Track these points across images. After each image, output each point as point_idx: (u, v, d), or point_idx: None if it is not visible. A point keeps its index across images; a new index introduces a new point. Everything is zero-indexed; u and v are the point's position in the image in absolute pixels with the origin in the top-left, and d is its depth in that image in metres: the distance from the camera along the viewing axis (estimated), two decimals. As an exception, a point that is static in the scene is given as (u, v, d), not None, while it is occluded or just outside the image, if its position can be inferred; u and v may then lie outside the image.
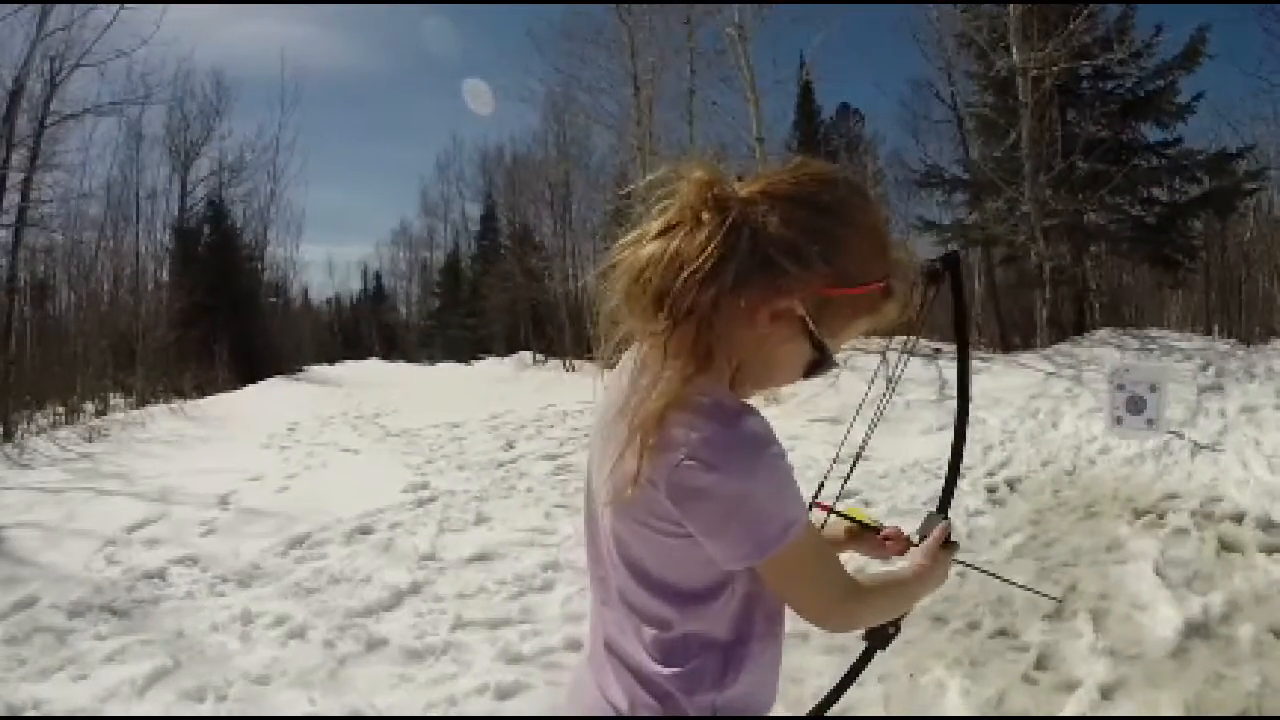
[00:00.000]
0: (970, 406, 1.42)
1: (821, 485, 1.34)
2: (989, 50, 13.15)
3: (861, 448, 1.44)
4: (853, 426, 1.62)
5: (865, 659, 1.35)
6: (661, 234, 0.94)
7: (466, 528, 5.63)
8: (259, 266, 30.99)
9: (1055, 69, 12.34)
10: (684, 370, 0.91)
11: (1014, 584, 1.89)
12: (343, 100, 68.49)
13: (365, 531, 5.51)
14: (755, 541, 0.91)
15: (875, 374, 1.50)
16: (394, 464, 8.11)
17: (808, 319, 0.95)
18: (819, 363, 1.00)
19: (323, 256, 64.08)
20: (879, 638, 1.26)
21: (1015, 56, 12.50)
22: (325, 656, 3.61)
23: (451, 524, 5.70)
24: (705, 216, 0.92)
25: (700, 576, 0.96)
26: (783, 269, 0.92)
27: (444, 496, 6.50)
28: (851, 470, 1.46)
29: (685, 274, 0.90)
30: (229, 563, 4.92)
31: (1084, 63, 12.84)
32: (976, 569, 1.41)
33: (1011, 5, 12.38)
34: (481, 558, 4.94)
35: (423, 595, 4.35)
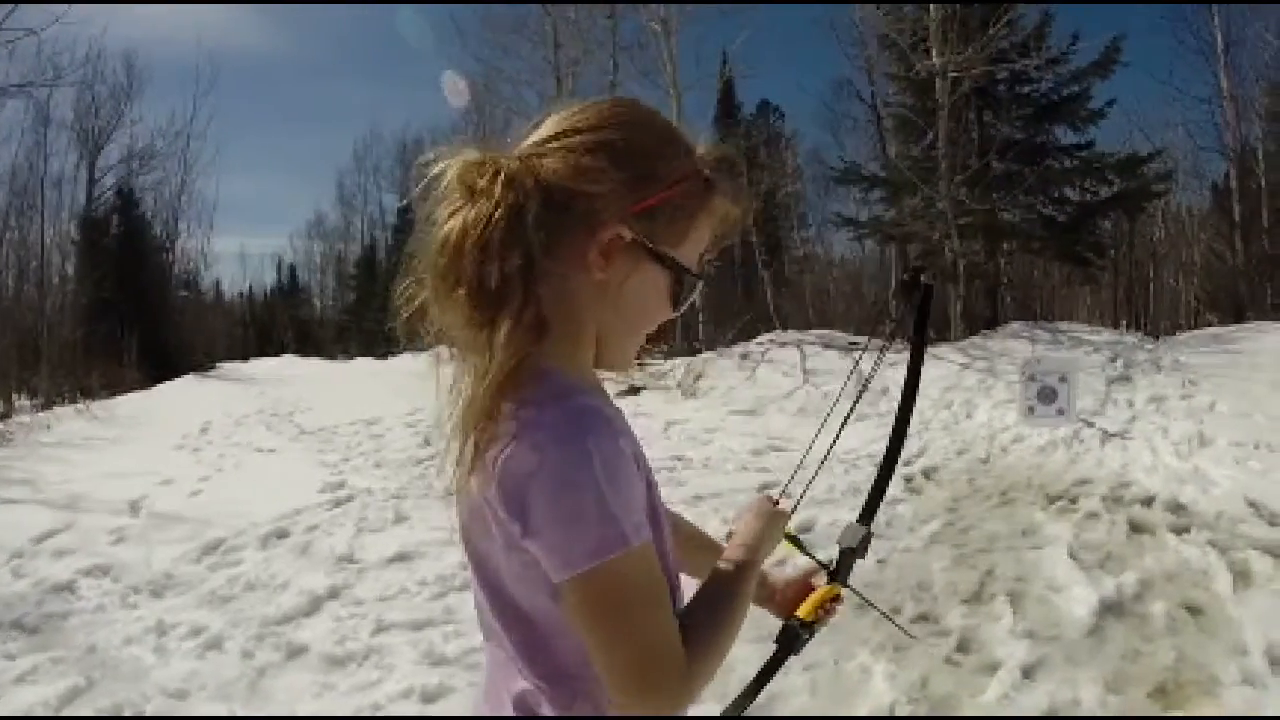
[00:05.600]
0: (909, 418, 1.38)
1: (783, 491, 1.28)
2: (909, 52, 13.44)
3: (828, 451, 1.36)
4: (828, 428, 1.53)
5: (775, 664, 1.21)
6: (447, 220, 0.85)
7: (385, 527, 5.50)
8: (169, 259, 29.67)
9: (974, 72, 12.70)
10: (514, 349, 0.82)
11: (887, 616, 1.87)
12: (259, 85, 65.53)
13: (281, 535, 5.33)
14: (575, 547, 0.79)
15: (842, 370, 1.48)
16: (310, 463, 7.88)
17: (640, 239, 0.88)
18: (679, 283, 0.92)
19: (235, 248, 61.89)
20: (791, 641, 1.16)
21: (935, 59, 12.79)
22: (244, 667, 3.50)
23: (370, 524, 5.56)
24: (481, 185, 0.83)
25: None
26: (579, 197, 0.85)
27: (361, 496, 6.33)
28: (813, 479, 1.44)
29: (479, 249, 0.82)
30: (141, 572, 4.71)
31: (1002, 66, 13.25)
32: (858, 595, 1.33)
33: (933, 9, 12.67)
34: (401, 558, 4.83)
35: (342, 599, 4.24)
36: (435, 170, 0.87)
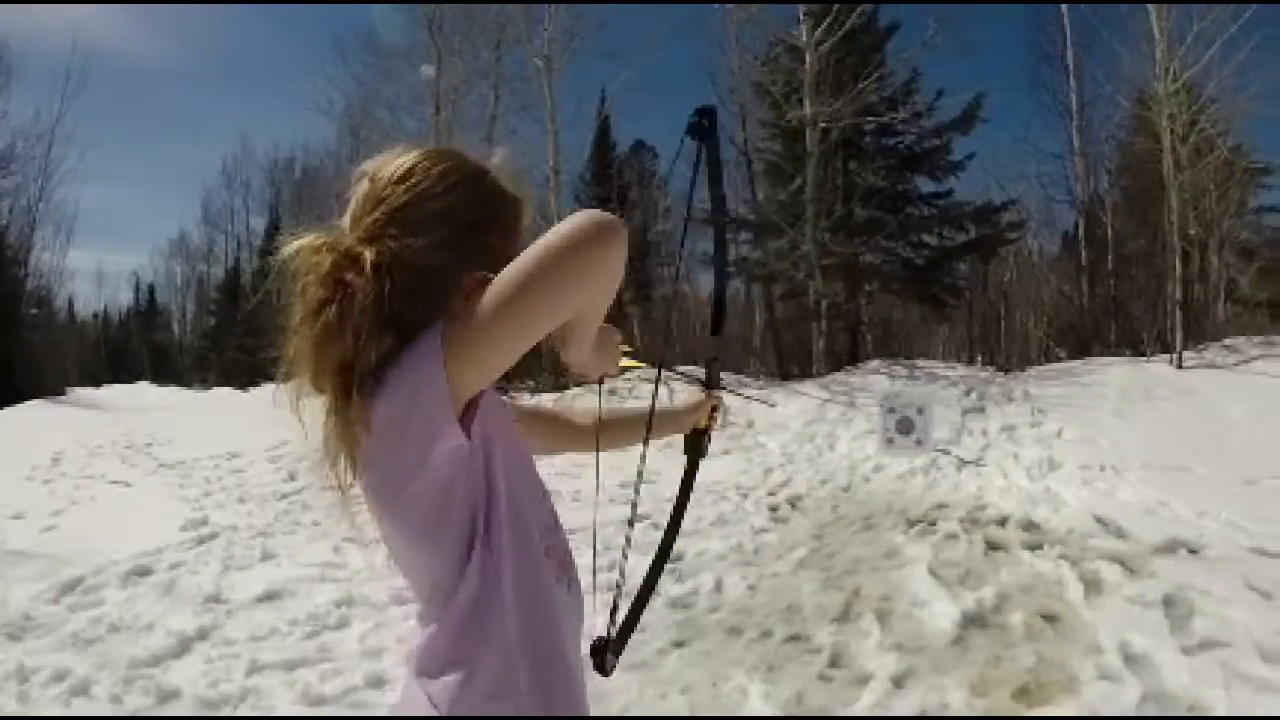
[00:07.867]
0: (728, 271, 1.64)
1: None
2: (782, 101, 14.10)
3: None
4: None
5: (693, 467, 1.52)
6: (315, 313, 0.96)
7: (253, 565, 5.33)
8: (22, 273, 27.20)
9: (842, 123, 13.43)
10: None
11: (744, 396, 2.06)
12: (127, 90, 61.53)
13: (143, 573, 5.07)
14: (428, 344, 0.92)
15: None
16: (169, 498, 7.51)
17: (490, 274, 0.98)
18: None
19: (90, 265, 57.66)
20: (698, 446, 1.51)
21: (807, 109, 13.47)
22: (115, 713, 3.32)
23: (236, 561, 5.38)
24: (350, 278, 0.95)
25: (452, 524, 0.98)
26: (439, 268, 0.99)
27: (226, 532, 6.12)
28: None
29: (355, 331, 0.94)
30: (-3, 613, 4.40)
31: (869, 119, 14.07)
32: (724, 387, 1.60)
33: (807, 61, 13.36)
34: (271, 596, 4.70)
35: (212, 640, 4.08)
36: (297, 260, 0.97)
